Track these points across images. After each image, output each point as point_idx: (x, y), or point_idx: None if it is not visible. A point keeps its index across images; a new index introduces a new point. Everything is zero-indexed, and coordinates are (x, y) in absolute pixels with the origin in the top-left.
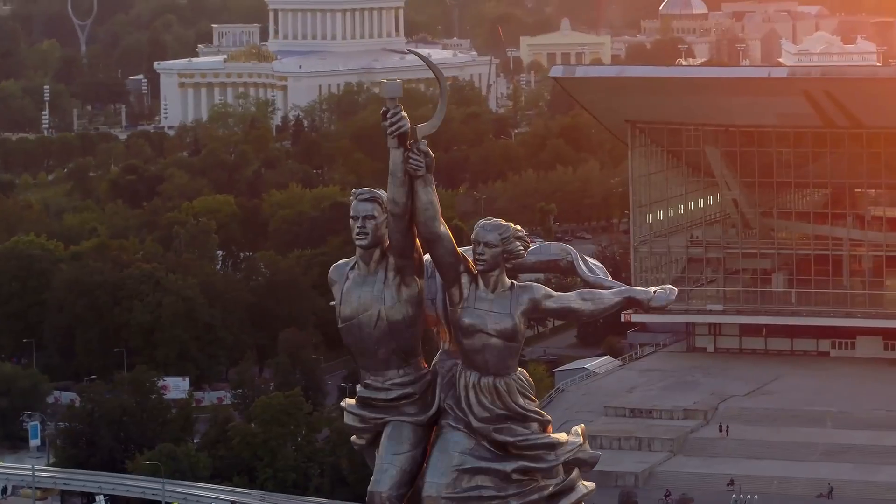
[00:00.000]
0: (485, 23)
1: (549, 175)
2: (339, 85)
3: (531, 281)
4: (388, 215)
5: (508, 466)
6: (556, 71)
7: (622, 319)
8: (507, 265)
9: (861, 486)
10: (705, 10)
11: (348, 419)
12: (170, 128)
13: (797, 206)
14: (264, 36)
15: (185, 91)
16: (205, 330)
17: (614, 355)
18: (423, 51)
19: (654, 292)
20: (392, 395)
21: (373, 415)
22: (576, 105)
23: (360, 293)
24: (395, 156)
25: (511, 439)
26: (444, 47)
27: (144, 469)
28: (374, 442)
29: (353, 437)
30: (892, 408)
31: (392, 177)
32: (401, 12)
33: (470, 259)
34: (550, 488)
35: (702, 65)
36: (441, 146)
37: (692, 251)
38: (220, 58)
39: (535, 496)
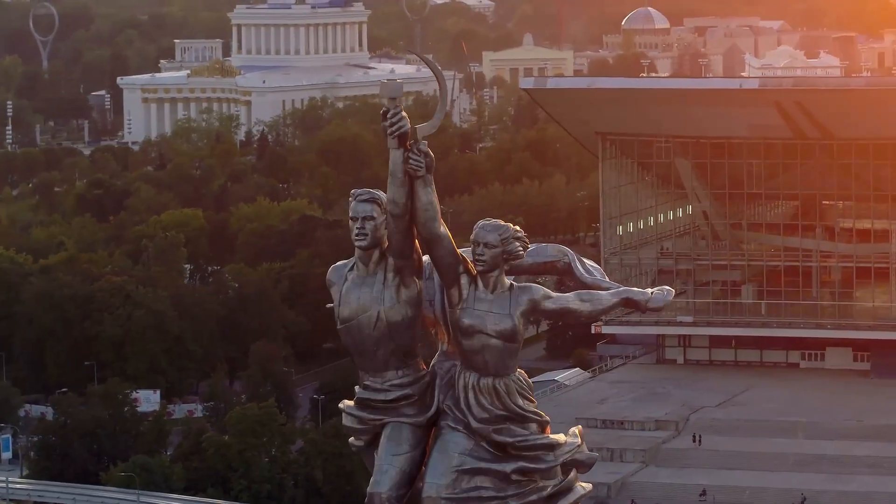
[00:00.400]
0: (447, 38)
1: (515, 189)
2: (302, 100)
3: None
4: (387, 216)
5: (508, 467)
6: (527, 83)
7: (592, 331)
8: (506, 266)
9: (834, 496)
10: (667, 26)
11: (346, 420)
12: (133, 143)
13: (767, 217)
14: (226, 51)
15: (148, 106)
16: (175, 343)
17: (584, 367)
18: (387, 65)
19: (652, 293)
20: (391, 396)
21: (371, 416)
22: (540, 119)
23: (360, 294)
24: (395, 156)
25: (510, 440)
26: (408, 62)
27: (119, 481)
28: (373, 443)
29: (351, 439)
30: (862, 418)
31: (392, 177)
32: (364, 27)
33: (469, 260)
34: (549, 489)
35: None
36: None
37: (662, 263)
38: (184, 73)
39: (534, 497)
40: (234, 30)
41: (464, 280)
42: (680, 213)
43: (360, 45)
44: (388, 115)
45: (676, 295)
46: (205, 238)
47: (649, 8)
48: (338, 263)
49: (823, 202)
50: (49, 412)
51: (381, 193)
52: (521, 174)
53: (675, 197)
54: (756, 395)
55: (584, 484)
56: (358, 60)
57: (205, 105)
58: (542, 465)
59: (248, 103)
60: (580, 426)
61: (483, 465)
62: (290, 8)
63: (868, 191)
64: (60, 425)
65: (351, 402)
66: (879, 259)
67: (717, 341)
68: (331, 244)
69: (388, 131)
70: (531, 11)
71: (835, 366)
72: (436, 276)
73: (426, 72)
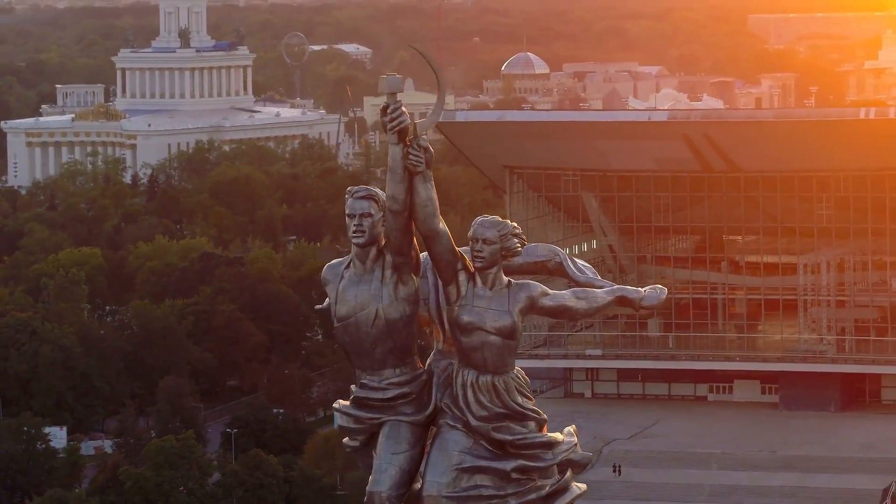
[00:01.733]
0: (327, 84)
1: None
2: (188, 143)
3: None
4: (385, 212)
5: (508, 465)
6: None
7: None
8: (504, 263)
9: None
10: (547, 71)
11: (342, 420)
12: (19, 187)
13: (674, 251)
14: (108, 96)
15: (32, 150)
16: (81, 379)
17: None
18: (273, 109)
19: (645, 292)
20: (389, 394)
21: (369, 415)
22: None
23: (357, 292)
24: (395, 152)
25: (510, 438)
26: (293, 106)
27: None
28: (368, 443)
29: (346, 440)
30: (775, 449)
31: (391, 173)
32: (249, 71)
33: (467, 257)
34: (547, 488)
35: None
36: (298, 201)
37: None
38: (68, 117)
39: (532, 495)
40: (119, 73)
41: (462, 277)
42: (586, 247)
43: (245, 88)
44: (389, 111)
45: (585, 328)
46: (103, 276)
47: (528, 53)
48: (333, 262)
49: (729, 236)
50: None
51: (377, 190)
52: None
53: (582, 230)
54: (666, 428)
55: (579, 484)
56: (243, 104)
57: (90, 149)
58: (541, 464)
59: (134, 147)
60: (574, 425)
61: (483, 463)
62: (174, 52)
63: (775, 223)
64: None
65: (346, 402)
66: (787, 292)
67: (624, 374)
68: (232, 281)
69: (388, 126)
70: (409, 58)
71: (743, 398)
72: (430, 274)
73: (312, 115)
